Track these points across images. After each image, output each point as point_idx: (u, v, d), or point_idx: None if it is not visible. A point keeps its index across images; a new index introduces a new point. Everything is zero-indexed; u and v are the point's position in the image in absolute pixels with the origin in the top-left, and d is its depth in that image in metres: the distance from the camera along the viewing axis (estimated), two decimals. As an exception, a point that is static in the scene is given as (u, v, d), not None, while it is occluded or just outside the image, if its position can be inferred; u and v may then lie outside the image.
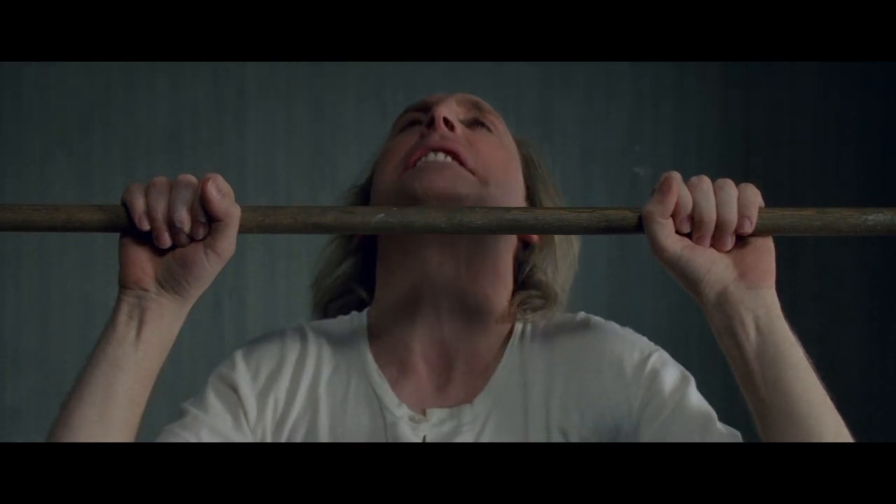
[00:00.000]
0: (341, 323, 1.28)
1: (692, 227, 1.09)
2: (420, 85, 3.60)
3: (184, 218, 1.05)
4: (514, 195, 1.26)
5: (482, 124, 1.27)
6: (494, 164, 1.23)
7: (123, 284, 1.09)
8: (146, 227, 1.07)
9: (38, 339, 3.49)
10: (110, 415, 1.06)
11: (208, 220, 1.06)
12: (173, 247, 1.09)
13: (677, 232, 1.09)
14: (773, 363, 1.07)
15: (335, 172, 3.62)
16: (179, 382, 3.44)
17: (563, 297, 1.29)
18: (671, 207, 1.08)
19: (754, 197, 1.11)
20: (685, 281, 1.11)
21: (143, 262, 1.08)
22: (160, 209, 1.05)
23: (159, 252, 1.08)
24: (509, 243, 1.27)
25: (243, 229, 1.09)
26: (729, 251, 1.11)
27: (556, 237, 1.30)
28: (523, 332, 1.26)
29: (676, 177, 1.09)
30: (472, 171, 1.21)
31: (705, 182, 1.09)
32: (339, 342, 1.25)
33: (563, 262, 1.31)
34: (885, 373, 3.62)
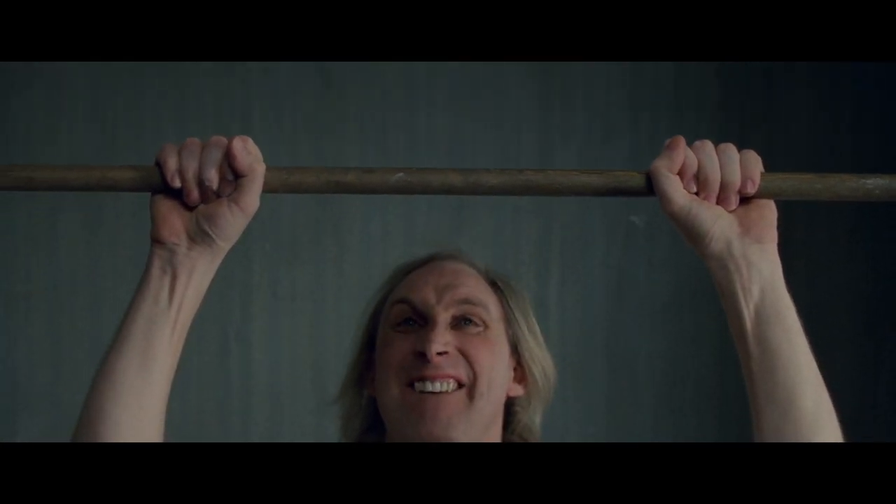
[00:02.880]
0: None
1: (698, 187, 1.15)
2: (421, 133, 3.72)
3: (212, 176, 1.12)
4: (502, 379, 1.41)
5: (469, 320, 1.40)
6: (480, 362, 1.36)
7: (156, 239, 1.15)
8: (177, 184, 1.12)
9: (49, 378, 3.52)
10: (150, 365, 1.13)
11: (234, 175, 1.13)
12: (201, 199, 1.15)
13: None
14: (769, 321, 1.15)
15: (338, 217, 3.70)
16: (188, 421, 3.47)
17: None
18: (679, 163, 1.14)
19: (756, 161, 1.17)
20: (691, 234, 1.16)
21: (173, 219, 1.14)
22: (191, 168, 1.11)
23: (189, 209, 1.14)
24: (498, 411, 1.42)
25: (268, 188, 1.15)
26: (733, 210, 1.17)
27: (540, 381, 1.46)
28: None
29: (682, 139, 1.15)
30: (462, 384, 1.35)
31: (708, 145, 1.16)
32: None
33: (543, 406, 1.48)
34: (878, 377, 3.70)
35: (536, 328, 1.49)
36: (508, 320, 1.45)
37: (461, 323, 1.39)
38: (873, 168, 3.81)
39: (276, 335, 3.60)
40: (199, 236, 1.15)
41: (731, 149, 1.16)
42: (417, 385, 1.34)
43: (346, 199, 3.67)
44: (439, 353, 1.34)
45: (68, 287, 3.59)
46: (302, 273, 3.70)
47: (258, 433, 3.44)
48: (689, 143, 1.16)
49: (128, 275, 3.56)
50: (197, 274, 1.17)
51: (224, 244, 1.17)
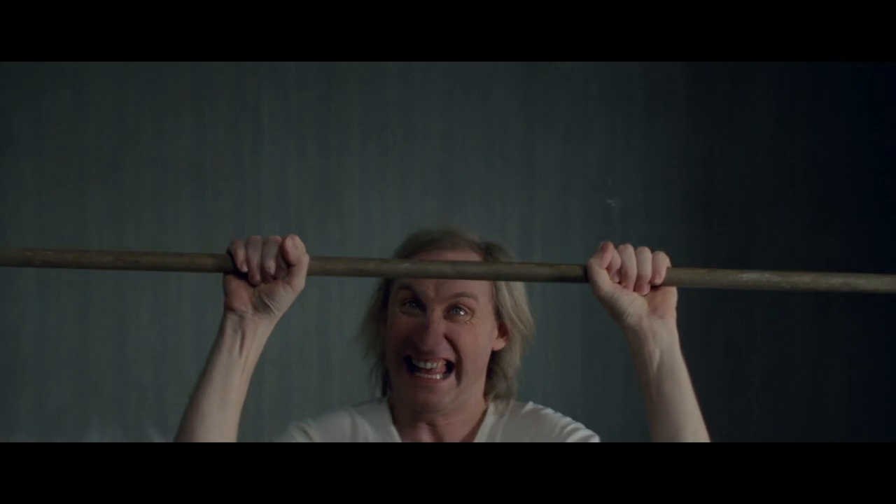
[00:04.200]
0: (372, 409, 1.72)
1: (620, 278, 1.47)
2: (417, 127, 3.85)
3: (271, 265, 1.44)
4: (485, 352, 1.69)
5: (459, 309, 1.66)
6: (464, 347, 1.65)
7: (228, 307, 1.47)
8: (245, 269, 1.45)
9: (77, 348, 3.68)
10: (226, 400, 1.46)
11: (286, 264, 1.45)
12: (262, 281, 1.47)
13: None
14: (665, 376, 1.47)
15: (341, 201, 3.84)
16: None
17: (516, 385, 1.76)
18: (607, 261, 1.46)
19: (664, 259, 1.48)
20: (613, 311, 1.48)
21: (241, 293, 1.46)
22: (255, 259, 1.44)
23: (252, 286, 1.46)
24: (484, 366, 1.70)
25: (310, 272, 1.47)
26: (645, 295, 1.48)
27: (519, 334, 1.73)
28: (493, 416, 1.72)
29: (610, 244, 1.47)
30: (451, 364, 1.64)
31: (629, 247, 1.47)
32: (375, 424, 1.71)
33: (520, 354, 1.75)
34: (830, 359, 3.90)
35: (521, 287, 1.75)
36: (496, 287, 1.72)
37: (452, 311, 1.65)
38: (830, 160, 3.89)
39: (286, 311, 3.68)
40: (261, 307, 1.46)
41: (645, 251, 1.47)
42: (412, 360, 1.63)
43: (348, 187, 3.84)
44: (432, 344, 1.62)
45: (94, 269, 3.73)
46: (308, 250, 3.76)
47: (269, 397, 3.58)
48: (617, 245, 1.49)
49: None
50: (259, 333, 1.47)
51: (278, 312, 1.47)
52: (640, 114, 3.91)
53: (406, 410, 1.71)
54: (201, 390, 1.47)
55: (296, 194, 3.83)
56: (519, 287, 1.74)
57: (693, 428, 1.46)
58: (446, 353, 1.64)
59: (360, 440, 1.68)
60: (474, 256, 1.70)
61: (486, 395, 1.74)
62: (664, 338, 1.47)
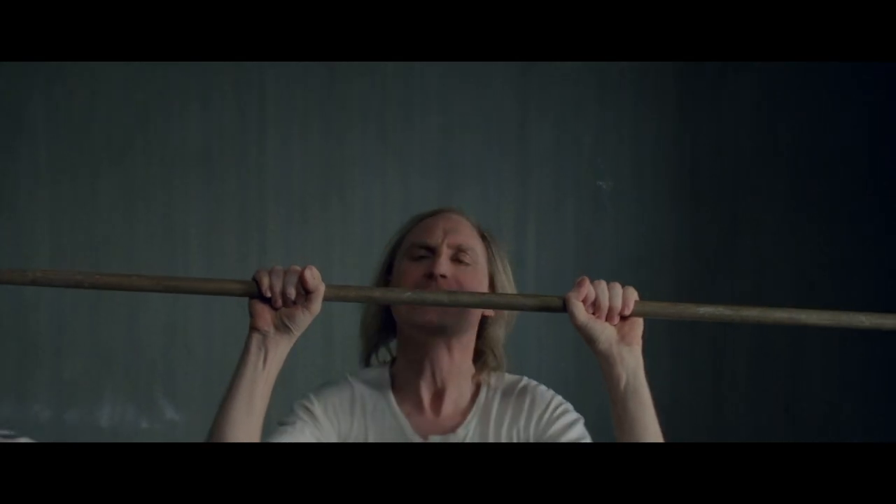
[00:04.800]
0: (374, 376, 1.86)
1: (594, 310, 1.66)
2: (415, 105, 3.92)
3: (291, 292, 1.62)
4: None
5: (461, 260, 1.84)
6: (468, 285, 1.83)
7: (254, 328, 1.64)
8: (268, 295, 1.63)
9: (90, 324, 3.77)
10: (251, 409, 1.63)
11: (305, 292, 1.62)
12: (283, 305, 1.65)
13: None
14: (630, 396, 1.66)
15: (342, 184, 3.91)
16: (214, 361, 3.79)
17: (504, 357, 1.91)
18: (583, 294, 1.65)
19: (633, 293, 1.67)
20: (588, 338, 1.67)
21: (265, 315, 1.64)
22: (277, 286, 1.62)
23: (274, 309, 1.64)
24: (475, 322, 1.86)
25: (326, 298, 1.64)
26: (615, 324, 1.67)
27: (506, 314, 1.89)
28: (486, 388, 1.87)
29: (587, 279, 1.66)
30: None
31: (603, 283, 1.67)
32: (375, 389, 1.85)
33: (505, 330, 1.91)
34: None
35: (509, 270, 1.93)
36: (490, 261, 1.89)
37: (456, 259, 1.83)
38: (811, 143, 3.92)
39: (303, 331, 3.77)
40: (282, 327, 1.64)
41: (616, 286, 1.67)
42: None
43: (350, 169, 3.91)
44: (442, 276, 1.80)
45: (106, 246, 3.83)
46: (312, 233, 3.90)
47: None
48: (593, 280, 1.68)
49: (157, 236, 3.83)
50: (280, 350, 1.65)
51: (297, 332, 1.65)
52: (630, 99, 3.97)
53: (408, 379, 1.84)
54: (230, 399, 1.64)
55: (299, 178, 3.91)
56: (507, 268, 1.92)
57: (652, 441, 1.65)
58: (452, 285, 1.80)
59: (358, 408, 1.83)
60: (471, 229, 1.88)
61: (478, 370, 1.88)
62: (630, 363, 1.67)
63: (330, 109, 3.92)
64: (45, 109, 3.80)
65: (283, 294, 1.62)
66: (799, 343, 3.97)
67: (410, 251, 1.86)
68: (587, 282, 1.66)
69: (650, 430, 1.66)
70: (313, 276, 1.62)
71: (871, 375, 3.96)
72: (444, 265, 1.81)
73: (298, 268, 1.63)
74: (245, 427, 1.62)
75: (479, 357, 1.88)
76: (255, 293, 1.64)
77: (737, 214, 4.01)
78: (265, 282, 1.63)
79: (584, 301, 1.65)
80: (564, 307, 1.66)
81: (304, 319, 1.64)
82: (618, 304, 1.65)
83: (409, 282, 1.81)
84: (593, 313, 1.66)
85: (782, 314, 1.69)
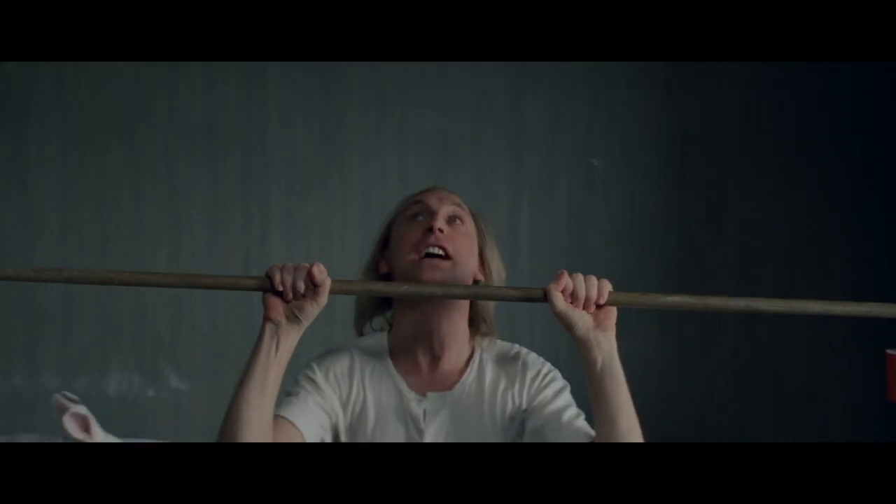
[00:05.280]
0: (372, 343, 1.99)
1: (572, 299, 1.78)
2: (413, 85, 3.95)
3: (301, 286, 1.74)
4: (472, 263, 1.96)
5: (457, 219, 1.98)
6: (462, 249, 1.95)
7: (267, 318, 1.76)
8: (280, 289, 1.75)
9: (98, 297, 3.84)
10: (265, 390, 1.75)
11: (313, 286, 1.75)
12: (293, 298, 1.77)
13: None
14: (605, 376, 1.78)
15: (343, 159, 3.95)
16: (218, 330, 3.87)
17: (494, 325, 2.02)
18: (562, 286, 1.77)
19: (606, 285, 1.79)
20: (567, 325, 1.78)
21: (277, 307, 1.76)
22: (288, 281, 1.75)
23: (286, 302, 1.76)
24: (472, 277, 1.96)
25: (332, 291, 1.75)
26: (592, 313, 1.79)
27: (495, 277, 2.00)
28: (480, 351, 1.98)
29: (565, 272, 1.78)
30: (450, 257, 1.92)
31: (580, 276, 1.79)
32: (373, 356, 1.96)
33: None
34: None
35: (496, 245, 2.04)
36: (479, 234, 2.01)
37: (450, 221, 1.96)
38: (796, 120, 3.93)
39: (291, 258, 3.56)
40: (292, 318, 1.75)
41: (592, 278, 1.79)
42: (424, 251, 1.91)
43: (350, 145, 3.95)
44: (440, 230, 1.92)
45: (113, 220, 3.88)
46: (312, 206, 3.95)
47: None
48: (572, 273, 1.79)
49: (163, 210, 3.89)
50: (291, 338, 1.76)
51: (306, 322, 1.76)
52: (621, 80, 4.01)
53: (405, 342, 1.95)
54: (245, 382, 1.75)
55: (300, 154, 3.96)
56: (494, 243, 2.03)
57: (626, 415, 1.78)
58: (448, 244, 1.91)
59: (357, 373, 1.94)
60: (463, 205, 1.99)
61: (472, 335, 1.99)
62: (605, 346, 1.78)
63: (330, 89, 3.95)
64: (53, 89, 3.84)
65: (294, 288, 1.74)
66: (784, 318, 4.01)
67: (408, 216, 1.97)
68: (566, 274, 1.78)
69: (625, 407, 1.77)
70: (320, 272, 1.74)
71: (853, 345, 4.01)
72: (441, 221, 1.92)
73: (307, 265, 1.75)
74: (259, 406, 1.73)
75: (472, 323, 1.99)
76: (268, 287, 1.75)
77: (723, 190, 4.05)
78: (277, 277, 1.75)
79: (563, 292, 1.77)
80: (545, 297, 1.78)
81: (312, 310, 1.75)
82: (593, 294, 1.77)
83: (408, 241, 1.92)
84: (572, 303, 1.77)
85: (740, 303, 1.82)
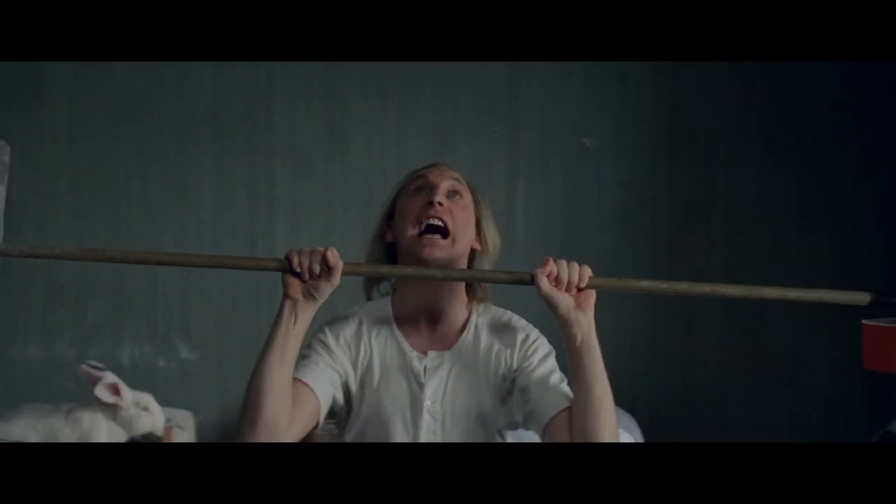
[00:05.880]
0: (377, 308, 2.14)
1: (556, 283, 1.95)
2: (413, 71, 4.02)
3: (316, 268, 1.91)
4: (469, 234, 2.11)
5: (456, 193, 2.12)
6: (461, 222, 2.09)
7: (287, 295, 1.92)
8: (298, 270, 1.91)
9: (112, 271, 3.92)
10: (284, 360, 1.91)
11: (327, 268, 1.90)
12: (310, 279, 1.93)
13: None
14: (583, 351, 1.95)
15: (345, 142, 4.02)
16: (225, 306, 3.97)
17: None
18: (548, 271, 1.94)
19: (587, 270, 1.96)
20: (550, 306, 1.94)
21: (296, 286, 1.92)
22: (305, 263, 1.91)
23: (303, 282, 1.92)
24: (467, 254, 2.13)
25: (344, 272, 1.90)
26: (573, 295, 1.96)
27: (490, 247, 2.16)
28: (476, 315, 2.13)
29: (551, 258, 1.95)
30: (449, 232, 2.06)
31: (564, 262, 1.95)
32: (378, 319, 2.11)
33: (491, 259, 2.18)
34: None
35: (492, 216, 2.20)
36: (476, 206, 2.17)
37: (450, 195, 2.11)
38: (782, 102, 4.06)
39: (295, 236, 3.95)
40: (308, 296, 1.92)
41: (575, 264, 1.95)
42: (425, 222, 2.05)
43: (353, 128, 4.01)
44: (440, 203, 2.07)
45: (124, 199, 3.96)
46: (316, 187, 4.02)
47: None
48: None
49: (172, 189, 3.96)
50: (307, 314, 1.93)
51: (320, 300, 1.92)
52: (613, 63, 4.05)
53: (408, 306, 2.11)
54: (268, 351, 1.92)
55: (304, 136, 4.03)
56: (491, 215, 2.18)
57: (600, 386, 1.94)
58: (447, 216, 2.06)
59: (365, 335, 2.09)
60: (462, 180, 2.13)
61: (469, 300, 2.14)
62: (584, 325, 1.95)
63: (333, 75, 4.01)
64: (65, 71, 3.92)
65: (310, 269, 1.90)
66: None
67: (411, 190, 2.12)
68: (551, 260, 1.94)
69: (599, 378, 1.93)
70: (334, 256, 1.90)
71: (833, 320, 4.03)
72: (441, 195, 2.07)
73: (322, 249, 1.91)
74: (279, 369, 1.90)
75: (469, 289, 2.15)
76: (287, 269, 1.92)
77: (711, 167, 4.10)
78: (295, 260, 1.91)
79: (548, 276, 1.93)
80: (532, 281, 1.94)
81: (326, 290, 1.91)
82: (575, 278, 1.94)
83: (411, 212, 2.07)
84: (556, 286, 1.94)
85: (706, 288, 1.98)
